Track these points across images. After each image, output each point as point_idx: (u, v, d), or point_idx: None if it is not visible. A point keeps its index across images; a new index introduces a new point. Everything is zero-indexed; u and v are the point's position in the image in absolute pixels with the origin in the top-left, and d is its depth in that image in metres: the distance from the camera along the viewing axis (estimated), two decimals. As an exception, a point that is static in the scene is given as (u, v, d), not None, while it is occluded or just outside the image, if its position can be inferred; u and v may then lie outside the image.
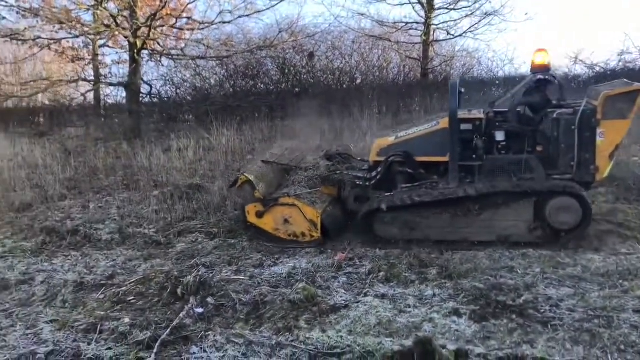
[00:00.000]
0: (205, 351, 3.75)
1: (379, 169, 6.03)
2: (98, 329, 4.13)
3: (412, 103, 13.58)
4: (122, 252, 6.01)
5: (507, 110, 5.89)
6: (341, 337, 3.76)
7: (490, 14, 15.03)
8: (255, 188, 5.94)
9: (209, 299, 4.51)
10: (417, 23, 15.55)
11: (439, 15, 15.43)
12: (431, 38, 15.40)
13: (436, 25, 15.51)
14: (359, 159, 7.00)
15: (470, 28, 15.49)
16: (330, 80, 15.80)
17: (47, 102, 16.89)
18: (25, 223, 7.29)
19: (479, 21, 15.26)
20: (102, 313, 4.42)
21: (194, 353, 3.74)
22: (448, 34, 15.78)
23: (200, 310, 4.37)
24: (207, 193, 7.83)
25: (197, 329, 4.06)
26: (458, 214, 5.55)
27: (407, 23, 15.70)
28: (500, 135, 5.76)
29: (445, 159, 5.77)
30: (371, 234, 5.79)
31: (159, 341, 3.83)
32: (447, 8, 15.25)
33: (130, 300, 4.67)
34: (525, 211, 5.43)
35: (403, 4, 15.66)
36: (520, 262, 4.92)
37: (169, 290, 4.67)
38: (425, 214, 5.62)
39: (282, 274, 4.93)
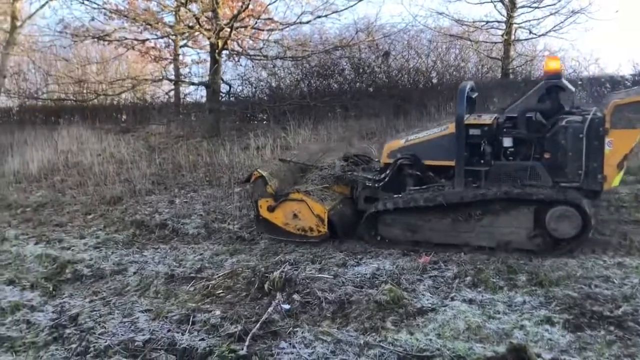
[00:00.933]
0: (294, 347, 3.83)
1: (388, 171, 6.10)
2: (190, 320, 4.30)
3: (491, 103, 13.23)
4: (208, 246, 6.24)
5: (516, 116, 5.83)
6: (430, 340, 3.74)
7: (577, 12, 14.39)
8: (267, 183, 6.15)
9: (295, 296, 4.59)
10: (498, 22, 15.15)
11: (521, 13, 14.95)
12: (512, 37, 14.94)
13: (518, 24, 15.02)
14: (377, 160, 6.99)
15: (554, 27, 14.89)
16: (406, 80, 15.66)
17: (132, 100, 17.61)
18: (116, 216, 7.68)
19: (565, 19, 14.65)
20: (194, 305, 4.60)
21: (283, 348, 3.82)
22: (530, 32, 15.25)
23: (287, 306, 4.45)
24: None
25: (285, 324, 4.15)
26: (459, 219, 5.55)
27: (487, 22, 15.33)
28: (507, 141, 5.75)
29: (453, 163, 5.76)
30: (376, 234, 5.91)
31: (249, 335, 3.94)
32: (530, 6, 14.74)
33: (219, 294, 4.83)
34: (525, 219, 5.33)
35: (483, 3, 15.28)
36: (616, 271, 4.70)
37: (256, 285, 4.80)
38: (426, 217, 5.66)
39: (366, 274, 4.94)
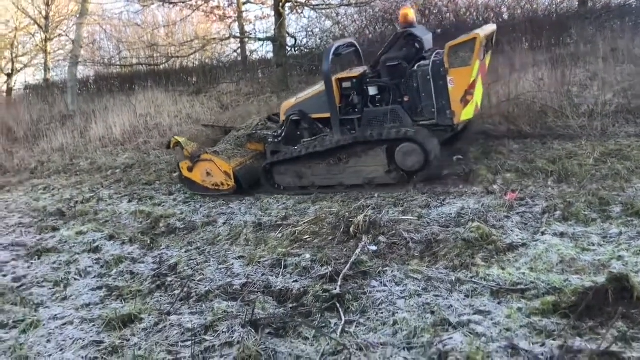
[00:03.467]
0: (385, 285, 3.91)
1: (283, 127, 6.91)
2: (282, 264, 4.47)
3: (568, 35, 12.54)
4: (290, 196, 6.38)
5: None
6: (523, 274, 3.72)
7: None
8: (184, 148, 7.05)
9: (381, 238, 4.65)
10: (574, -56, 14.15)
11: None
12: (590, -40, 13.94)
13: (596, -55, 13.98)
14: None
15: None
16: (475, 18, 15.04)
17: (201, 61, 17.89)
18: (200, 172, 7.95)
19: None
20: (283, 250, 4.75)
21: (375, 287, 3.92)
22: (609, -46, 14.15)
23: (374, 247, 4.54)
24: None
25: (374, 265, 4.23)
26: (331, 163, 6.29)
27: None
28: (373, 90, 6.36)
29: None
30: (274, 183, 6.71)
31: (341, 275, 4.05)
32: None
33: (306, 239, 4.97)
34: (380, 157, 6.01)
35: None
36: None
37: (342, 229, 4.89)
38: (308, 164, 6.42)
39: (451, 214, 4.93)
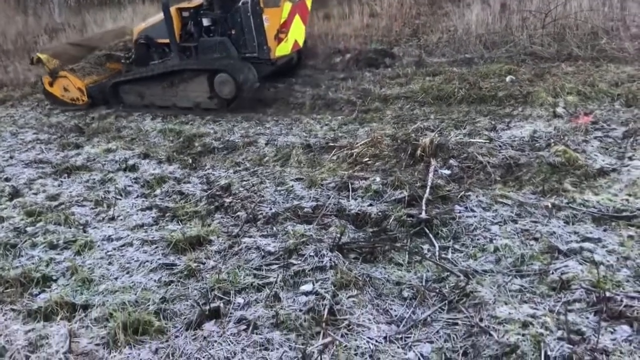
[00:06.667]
0: (472, 210, 3.69)
1: (133, 50, 7.47)
2: (350, 187, 4.20)
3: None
4: (330, 116, 6.02)
5: None
6: (626, 200, 3.52)
7: None
8: (45, 64, 7.50)
9: (452, 161, 4.40)
10: None
11: None
12: None
13: None
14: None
15: None
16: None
17: None
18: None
19: None
20: (345, 172, 4.47)
21: (460, 212, 3.69)
22: None
23: (446, 171, 4.29)
24: (394, 58, 7.59)
25: (452, 189, 4.00)
26: (165, 86, 6.87)
27: None
28: (206, 21, 6.84)
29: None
30: (120, 101, 7.32)
31: (424, 199, 3.81)
32: None
33: (366, 162, 4.68)
34: (203, 84, 6.65)
35: None
36: None
37: (409, 152, 4.61)
38: (147, 85, 7.02)
39: (524, 137, 4.66)
